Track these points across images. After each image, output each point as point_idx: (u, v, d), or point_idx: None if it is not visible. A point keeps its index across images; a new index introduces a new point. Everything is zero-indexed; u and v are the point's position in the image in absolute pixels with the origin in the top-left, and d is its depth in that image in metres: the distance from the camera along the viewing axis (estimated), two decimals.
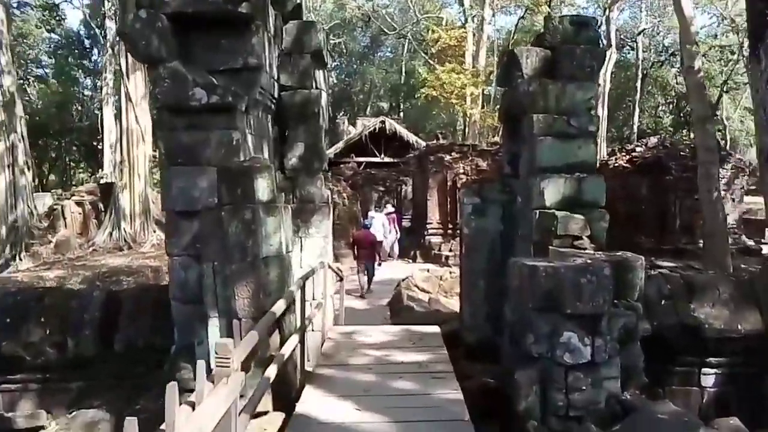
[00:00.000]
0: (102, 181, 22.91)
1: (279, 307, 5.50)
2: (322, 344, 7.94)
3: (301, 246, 8.58)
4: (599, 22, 36.08)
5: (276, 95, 8.15)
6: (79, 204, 17.60)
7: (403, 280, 14.82)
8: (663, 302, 7.95)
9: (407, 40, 43.02)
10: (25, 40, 37.28)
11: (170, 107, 6.50)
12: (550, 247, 7.10)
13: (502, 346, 7.16)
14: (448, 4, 43.17)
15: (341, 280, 8.33)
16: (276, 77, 8.01)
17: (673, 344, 7.71)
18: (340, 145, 26.56)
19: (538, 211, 7.61)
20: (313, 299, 7.95)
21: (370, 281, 14.06)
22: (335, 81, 49.42)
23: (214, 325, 5.84)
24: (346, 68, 49.51)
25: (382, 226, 16.73)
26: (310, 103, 8.48)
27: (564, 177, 7.75)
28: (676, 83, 37.23)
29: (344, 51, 46.52)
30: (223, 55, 6.75)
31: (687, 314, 7.83)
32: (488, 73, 27.26)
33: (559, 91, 8.07)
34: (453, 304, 13.64)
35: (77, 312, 7.56)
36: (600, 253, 6.92)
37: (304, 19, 8.81)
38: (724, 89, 34.92)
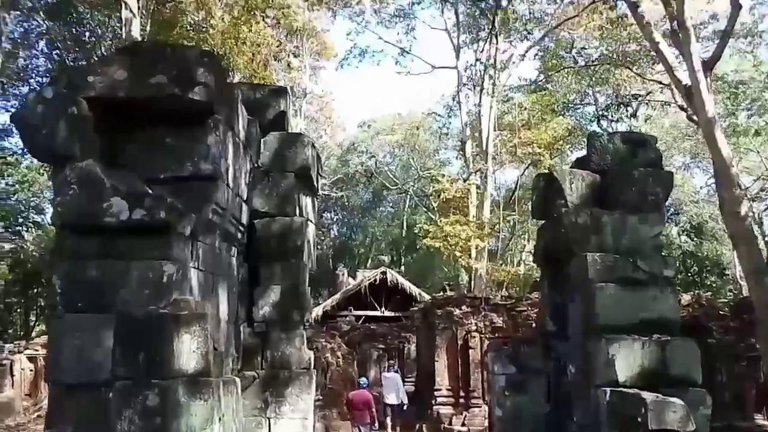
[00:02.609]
0: None
1: None
2: None
3: (269, 431, 5.94)
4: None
5: (246, 222, 6.04)
6: (31, 359, 14.81)
7: None
8: None
9: (408, 196, 42.52)
10: (31, 188, 36.58)
11: (75, 225, 4.33)
12: None
13: None
14: (449, 163, 43.40)
15: None
16: (246, 198, 5.96)
17: None
18: (338, 296, 24.24)
19: (608, 390, 5.11)
20: None
21: None
22: (336, 234, 48.45)
23: None
24: (347, 222, 48.68)
25: (396, 388, 13.84)
26: (292, 235, 6.36)
27: (639, 340, 5.38)
28: (681, 241, 35.73)
29: (346, 205, 45.95)
30: (167, 158, 4.74)
31: None
32: (492, 225, 25.72)
33: (618, 224, 6.00)
34: None
35: None
36: None
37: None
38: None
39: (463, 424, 14.14)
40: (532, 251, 7.49)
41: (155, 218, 4.28)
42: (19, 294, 30.00)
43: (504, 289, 24.92)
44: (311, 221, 7.10)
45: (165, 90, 4.50)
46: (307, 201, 7.00)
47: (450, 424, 14.30)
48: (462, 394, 14.50)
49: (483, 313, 14.43)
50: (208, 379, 3.47)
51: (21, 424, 13.85)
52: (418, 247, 33.89)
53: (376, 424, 12.77)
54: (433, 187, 29.21)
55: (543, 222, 6.80)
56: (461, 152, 30.93)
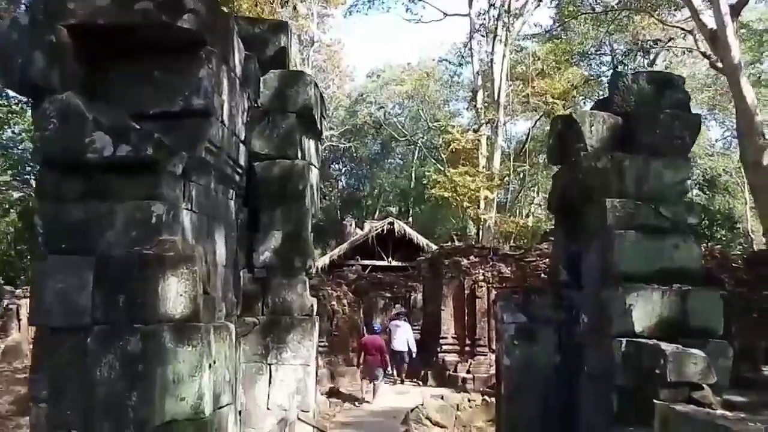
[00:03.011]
0: None
1: None
2: None
3: (270, 377, 5.76)
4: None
5: (244, 165, 5.69)
6: None
7: (412, 410, 11.66)
8: None
9: (417, 147, 41.89)
10: None
11: (56, 161, 4.00)
12: (657, 402, 4.25)
13: None
14: (459, 114, 42.51)
15: None
16: (244, 139, 5.59)
17: None
18: (345, 246, 24.09)
19: (624, 341, 4.83)
20: None
21: (375, 390, 12.41)
22: (344, 185, 48.07)
23: None
24: (355, 173, 48.24)
25: (405, 336, 13.90)
26: (293, 178, 6.01)
27: (659, 290, 5.05)
28: (693, 194, 35.08)
29: (354, 156, 45.41)
30: (155, 92, 4.35)
31: None
32: (502, 176, 25.22)
33: (641, 169, 5.59)
34: None
35: None
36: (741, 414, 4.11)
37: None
38: None
39: (468, 372, 14.12)
40: (547, 198, 7.10)
41: (141, 154, 3.93)
42: (29, 241, 30.20)
43: (511, 241, 24.66)
44: (314, 165, 6.74)
45: (151, 17, 4.06)
46: (310, 144, 6.62)
47: (455, 371, 14.29)
48: (467, 342, 14.42)
49: (491, 263, 14.18)
50: (197, 324, 3.19)
51: (28, 367, 13.92)
52: (426, 197, 33.51)
53: (389, 368, 12.89)
54: (443, 138, 28.61)
55: (559, 167, 6.39)
56: (472, 102, 30.17)
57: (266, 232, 6.05)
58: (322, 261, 24.02)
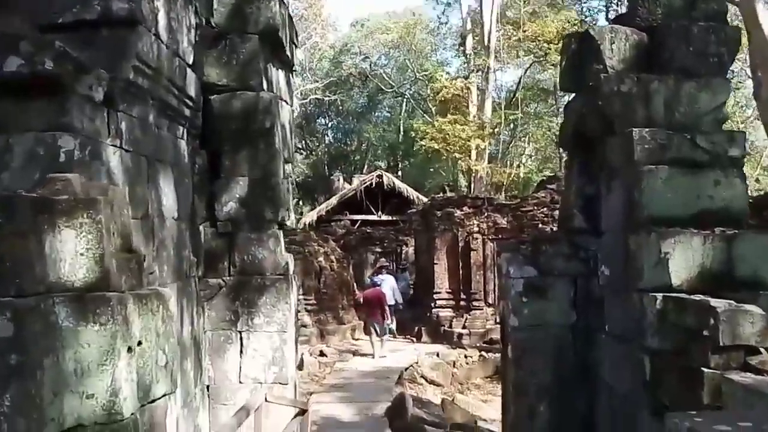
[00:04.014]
0: None
1: None
2: None
3: (242, 347, 4.90)
4: None
5: (196, 96, 4.67)
6: None
7: (406, 369, 11.01)
8: None
9: (405, 100, 40.52)
10: None
11: None
12: (707, 370, 3.43)
13: None
14: (447, 63, 40.96)
15: (303, 413, 4.64)
16: (193, 64, 4.55)
17: None
18: (333, 201, 23.13)
19: (659, 296, 3.98)
20: None
21: (382, 341, 12.23)
22: (331, 140, 46.75)
23: None
24: (342, 127, 46.78)
25: (391, 290, 13.24)
26: (258, 114, 5.00)
27: (700, 235, 4.18)
28: None
29: (340, 110, 43.92)
30: None
31: None
32: (494, 126, 24.12)
33: (671, 92, 4.65)
34: (472, 405, 9.84)
35: None
36: None
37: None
38: None
39: (463, 327, 13.46)
40: (558, 132, 6.15)
41: (37, 70, 2.92)
42: None
43: (503, 192, 23.80)
44: (286, 101, 5.73)
45: None
46: (278, 75, 5.59)
47: (450, 326, 13.62)
48: (462, 296, 13.71)
49: (486, 214, 13.31)
50: (106, 294, 2.26)
51: None
52: (415, 150, 32.40)
53: (390, 320, 12.54)
54: (431, 87, 27.32)
55: (573, 95, 5.42)
56: (461, 48, 28.76)
57: (229, 178, 5.08)
58: (310, 217, 23.12)
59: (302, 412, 4.60)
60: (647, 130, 4.52)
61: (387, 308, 12.31)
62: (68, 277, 2.26)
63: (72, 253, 2.27)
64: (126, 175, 3.52)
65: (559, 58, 18.85)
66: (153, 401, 2.56)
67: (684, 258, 4.09)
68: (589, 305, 5.02)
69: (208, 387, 4.94)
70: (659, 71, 4.78)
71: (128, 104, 3.61)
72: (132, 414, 2.34)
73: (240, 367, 4.95)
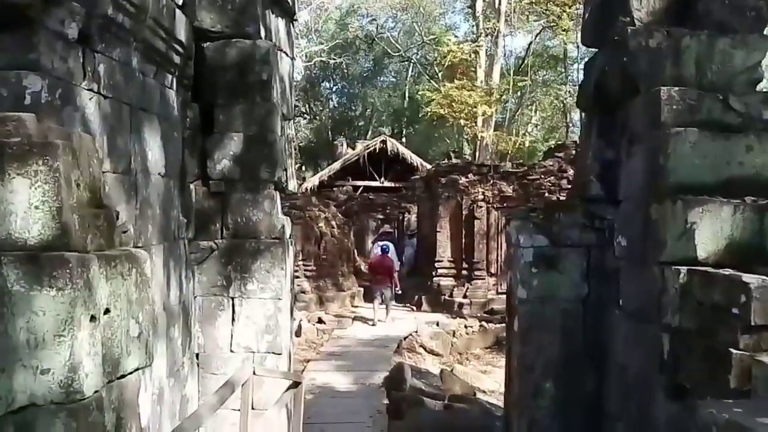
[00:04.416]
0: None
1: None
2: None
3: (234, 314, 4.63)
4: None
5: (187, 42, 4.28)
6: None
7: (405, 338, 10.83)
8: None
9: (411, 64, 39.65)
10: None
11: None
12: (736, 352, 3.14)
13: None
14: (456, 27, 39.95)
15: (296, 386, 4.37)
16: (183, 5, 4.15)
17: None
18: (335, 166, 22.73)
19: (683, 270, 3.66)
20: None
21: (387, 308, 12.38)
22: (335, 105, 46.01)
23: None
24: (346, 92, 45.94)
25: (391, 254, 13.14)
26: (255, 64, 4.62)
27: (730, 204, 3.84)
28: None
29: (346, 74, 43.05)
30: None
31: None
32: (502, 91, 23.53)
33: (704, 48, 4.24)
34: (471, 376, 9.68)
35: None
36: None
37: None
38: None
39: (464, 296, 13.25)
40: (577, 91, 5.75)
41: None
42: None
43: (507, 161, 23.35)
44: (285, 53, 5.33)
45: None
46: (278, 23, 5.18)
47: (451, 296, 13.42)
48: (464, 266, 13.46)
49: (491, 182, 12.95)
50: (65, 254, 1.95)
51: None
52: (420, 116, 31.79)
53: (398, 287, 12.59)
54: (438, 51, 26.57)
55: (595, 52, 5.01)
56: (470, 9, 27.88)
57: (223, 134, 4.73)
58: (311, 182, 22.77)
59: (295, 384, 4.35)
60: (676, 89, 4.14)
61: (395, 275, 12.40)
62: (20, 233, 1.95)
63: (25, 205, 1.95)
64: (104, 124, 3.17)
65: (571, 22, 18.10)
66: (123, 376, 2.27)
67: (712, 229, 3.76)
68: (603, 278, 4.71)
69: (197, 355, 4.69)
70: (691, 26, 4.36)
71: (107, 45, 3.24)
72: (95, 392, 2.05)
73: (231, 335, 4.69)
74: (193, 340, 4.62)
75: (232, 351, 4.72)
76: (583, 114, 5.29)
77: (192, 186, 4.68)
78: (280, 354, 4.71)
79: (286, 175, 4.99)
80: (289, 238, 4.97)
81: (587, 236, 4.78)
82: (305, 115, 44.26)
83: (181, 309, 4.33)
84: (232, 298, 4.72)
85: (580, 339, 4.76)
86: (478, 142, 22.86)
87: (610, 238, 4.68)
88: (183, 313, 4.38)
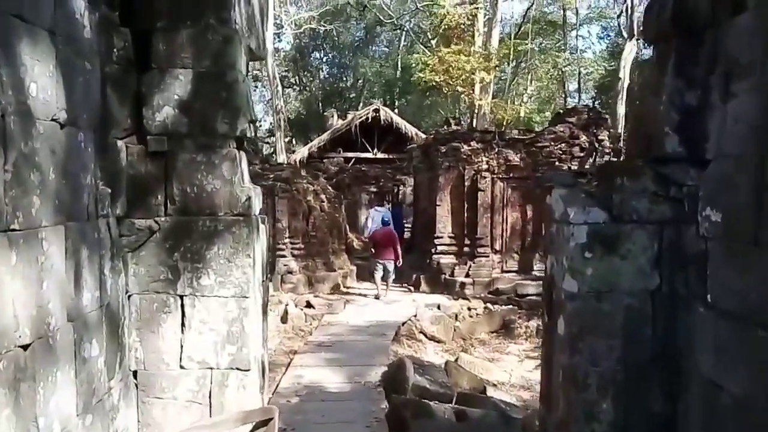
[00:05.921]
0: None
1: None
2: None
3: (183, 317, 3.35)
4: (620, 12, 30.67)
5: None
6: None
7: (404, 323, 9.64)
8: None
9: (404, 33, 37.97)
10: None
11: None
12: None
13: None
14: None
15: (265, 424, 3.17)
16: None
17: None
18: (325, 137, 21.33)
19: None
20: None
21: (388, 285, 11.83)
22: (326, 75, 44.32)
23: None
24: (337, 62, 44.13)
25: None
26: None
27: None
28: None
29: (336, 43, 41.24)
30: None
31: None
32: (501, 57, 22.06)
33: None
34: (477, 366, 8.56)
35: None
36: None
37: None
38: None
39: (467, 275, 12.05)
40: (642, 23, 4.39)
41: None
42: None
43: (509, 128, 22.01)
44: None
45: None
46: None
47: (452, 275, 12.21)
48: (467, 242, 12.23)
49: (496, 150, 11.65)
50: None
51: None
52: (414, 85, 30.27)
53: (400, 261, 11.81)
54: (434, 13, 24.92)
55: None
56: None
57: (164, 70, 3.40)
58: (300, 154, 21.39)
59: (263, 423, 3.12)
60: None
61: (398, 249, 11.65)
62: None
63: None
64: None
65: None
66: None
67: None
68: (680, 265, 3.48)
69: (135, 374, 3.44)
70: None
71: None
72: None
73: (181, 346, 3.44)
74: (126, 354, 3.36)
75: (182, 367, 3.47)
76: (651, 47, 3.91)
77: (121, 143, 3.36)
78: (247, 370, 3.46)
79: (252, 128, 3.67)
80: (259, 214, 3.68)
81: (659, 209, 3.52)
82: (295, 87, 42.55)
83: (103, 314, 3.05)
84: (181, 297, 3.45)
85: (648, 345, 3.54)
86: (476, 110, 21.47)
87: (691, 211, 3.43)
88: (108, 319, 3.10)
